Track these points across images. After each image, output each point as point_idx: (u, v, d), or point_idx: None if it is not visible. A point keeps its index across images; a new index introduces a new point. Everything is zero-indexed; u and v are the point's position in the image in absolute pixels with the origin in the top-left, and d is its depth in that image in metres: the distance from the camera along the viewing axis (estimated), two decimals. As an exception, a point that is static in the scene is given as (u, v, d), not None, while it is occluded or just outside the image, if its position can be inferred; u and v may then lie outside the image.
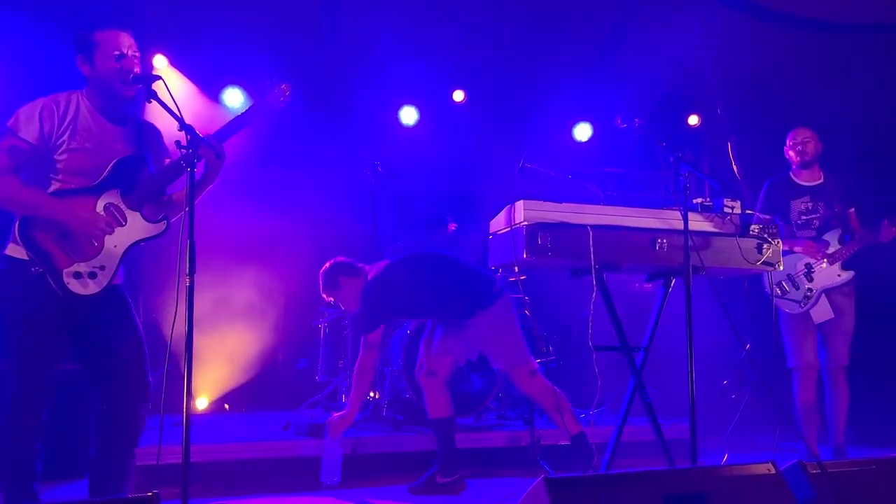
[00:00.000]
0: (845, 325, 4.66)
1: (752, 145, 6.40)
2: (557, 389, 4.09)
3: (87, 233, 2.90)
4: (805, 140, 4.75)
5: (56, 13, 5.18)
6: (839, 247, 4.65)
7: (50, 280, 2.84)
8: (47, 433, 2.95)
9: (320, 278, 4.31)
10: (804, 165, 4.78)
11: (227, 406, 6.44)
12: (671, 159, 3.62)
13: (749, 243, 3.80)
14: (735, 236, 3.77)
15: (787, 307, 4.70)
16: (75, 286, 2.88)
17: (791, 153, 4.83)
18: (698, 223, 3.72)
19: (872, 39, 6.36)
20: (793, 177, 4.85)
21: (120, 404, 3.03)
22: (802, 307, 4.65)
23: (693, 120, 7.13)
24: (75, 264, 2.89)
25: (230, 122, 3.08)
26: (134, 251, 3.07)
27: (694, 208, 3.74)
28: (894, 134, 6.39)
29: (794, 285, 4.69)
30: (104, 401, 3.03)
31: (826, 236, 4.70)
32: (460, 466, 4.21)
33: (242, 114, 3.11)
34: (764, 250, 3.80)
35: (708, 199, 3.83)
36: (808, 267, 4.68)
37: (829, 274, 4.65)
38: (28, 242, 2.84)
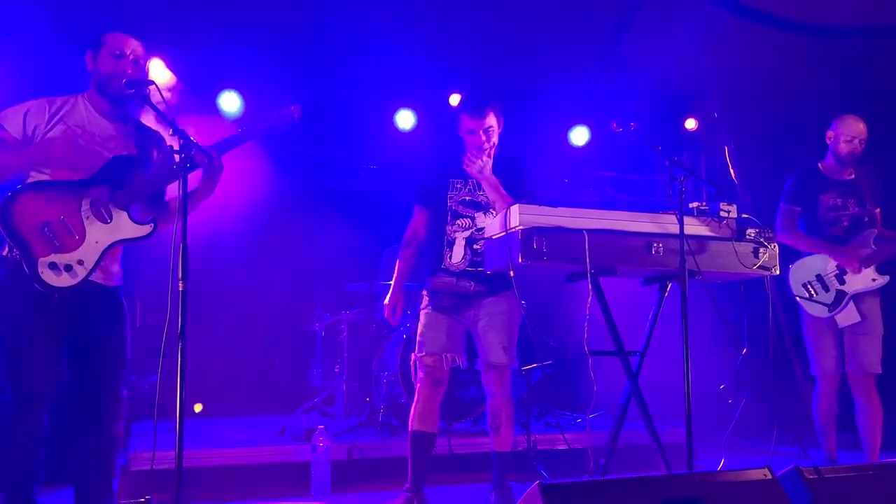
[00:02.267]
0: (873, 329, 4.36)
1: (750, 149, 6.41)
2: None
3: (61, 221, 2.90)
4: (863, 140, 4.45)
5: (58, 16, 5.18)
6: (874, 248, 4.34)
7: (24, 267, 2.83)
8: (49, 438, 2.94)
9: (492, 106, 3.88)
10: (848, 163, 4.47)
11: (198, 408, 6.22)
12: (667, 163, 3.62)
13: (745, 247, 3.79)
14: (731, 240, 3.77)
15: (813, 310, 4.43)
16: (49, 276, 2.86)
17: (840, 146, 4.48)
18: (694, 227, 3.72)
19: (870, 43, 6.37)
20: (822, 169, 4.56)
21: (95, 417, 3.03)
22: (831, 311, 4.37)
23: (690, 124, 7.13)
24: (52, 255, 2.87)
25: (233, 135, 3.12)
26: (132, 255, 3.08)
27: (690, 212, 3.73)
28: (892, 137, 6.39)
29: (823, 287, 4.40)
30: (82, 412, 3.03)
31: (861, 237, 4.41)
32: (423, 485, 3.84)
33: (247, 129, 3.19)
34: (760, 254, 3.79)
35: (704, 203, 3.83)
36: (842, 269, 4.39)
37: (863, 277, 4.35)
38: (6, 225, 2.83)
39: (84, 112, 3.04)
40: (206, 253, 4.99)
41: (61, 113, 3.00)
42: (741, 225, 3.82)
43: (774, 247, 3.82)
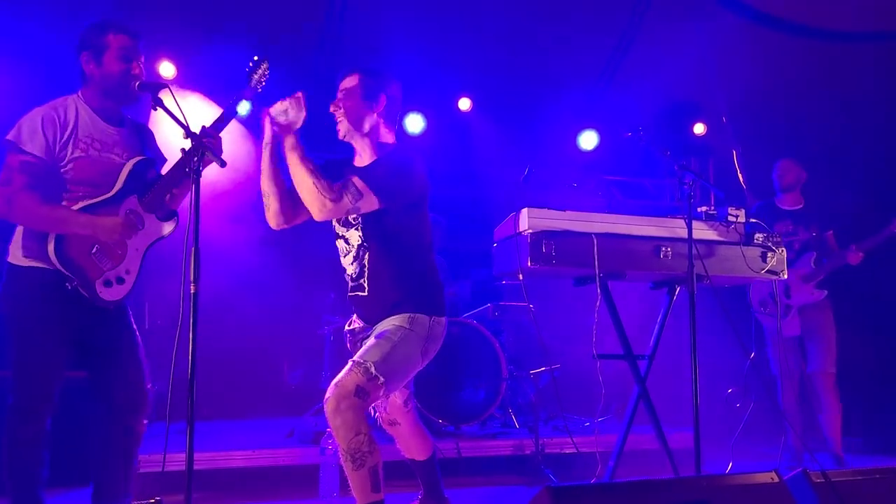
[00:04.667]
0: (823, 336, 5.04)
1: (758, 154, 6.40)
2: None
3: (113, 240, 2.93)
4: (784, 169, 5.28)
5: (62, 15, 5.21)
6: (814, 268, 5.04)
7: (83, 292, 2.89)
8: (53, 440, 2.96)
9: (360, 69, 3.16)
10: (783, 190, 5.28)
11: None
12: (676, 168, 3.63)
13: (753, 252, 3.80)
14: (739, 245, 3.78)
15: (768, 321, 5.13)
16: (106, 294, 2.95)
17: (774, 177, 5.33)
18: (702, 232, 3.73)
19: (879, 48, 6.36)
20: (777, 202, 5.32)
21: (119, 415, 3.05)
22: (780, 321, 4.96)
23: (699, 128, 7.12)
24: (105, 273, 2.94)
25: (222, 113, 3.10)
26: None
27: (698, 217, 3.74)
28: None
29: (773, 301, 5.07)
30: (105, 410, 3.05)
31: (803, 258, 5.09)
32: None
33: (230, 103, 3.12)
34: (768, 259, 3.80)
35: (712, 208, 3.84)
36: (787, 285, 5.08)
37: (804, 292, 5.05)
38: (64, 260, 2.86)
39: (88, 120, 3.02)
40: (215, 255, 5.01)
41: (70, 126, 2.96)
42: (749, 229, 3.83)
43: (782, 251, 3.83)
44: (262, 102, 3.12)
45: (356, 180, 2.92)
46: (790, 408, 4.97)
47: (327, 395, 2.80)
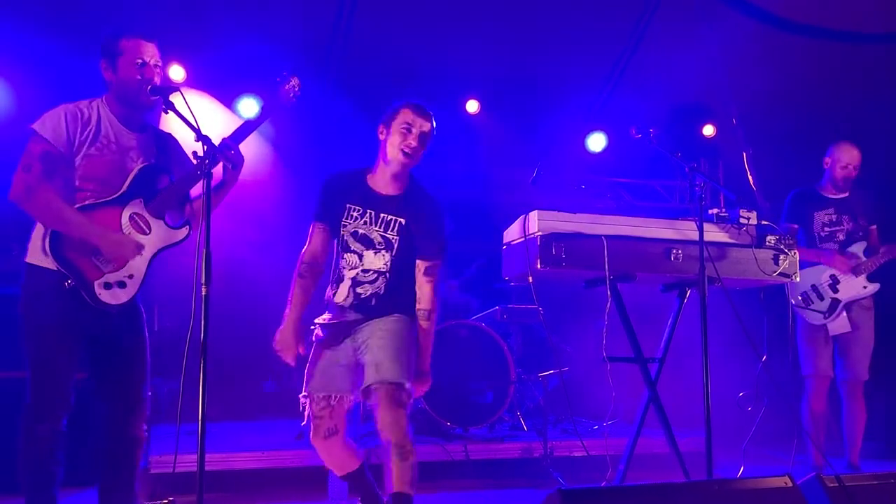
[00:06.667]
0: (863, 339, 4.62)
1: (768, 155, 6.38)
2: None
3: (117, 254, 2.93)
4: (857, 165, 4.71)
5: (75, 22, 5.23)
6: (865, 259, 4.61)
7: (82, 293, 2.88)
8: (68, 440, 2.97)
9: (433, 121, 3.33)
10: (839, 178, 4.72)
11: None
12: (686, 170, 3.62)
13: (765, 254, 3.78)
14: (751, 247, 3.76)
15: (810, 317, 4.67)
16: (106, 297, 2.93)
17: (836, 171, 4.73)
18: (714, 234, 3.71)
19: (891, 49, 6.33)
20: (819, 189, 4.83)
21: (116, 420, 3.06)
22: (825, 318, 4.61)
23: (708, 130, 7.10)
24: (105, 276, 2.94)
25: (244, 123, 3.12)
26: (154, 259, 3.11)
27: (709, 219, 3.73)
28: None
29: (818, 296, 4.64)
30: (103, 415, 3.06)
31: (852, 248, 4.67)
32: None
33: (257, 115, 3.16)
34: (780, 261, 3.78)
35: (723, 210, 3.82)
36: (834, 278, 4.63)
37: (854, 285, 4.59)
38: (59, 258, 2.87)
39: (108, 123, 3.04)
40: (224, 257, 5.00)
41: (91, 125, 2.98)
42: (761, 231, 3.81)
43: (794, 254, 3.81)
44: (291, 115, 3.14)
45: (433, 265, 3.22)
46: (818, 415, 4.66)
47: (374, 400, 3.00)
